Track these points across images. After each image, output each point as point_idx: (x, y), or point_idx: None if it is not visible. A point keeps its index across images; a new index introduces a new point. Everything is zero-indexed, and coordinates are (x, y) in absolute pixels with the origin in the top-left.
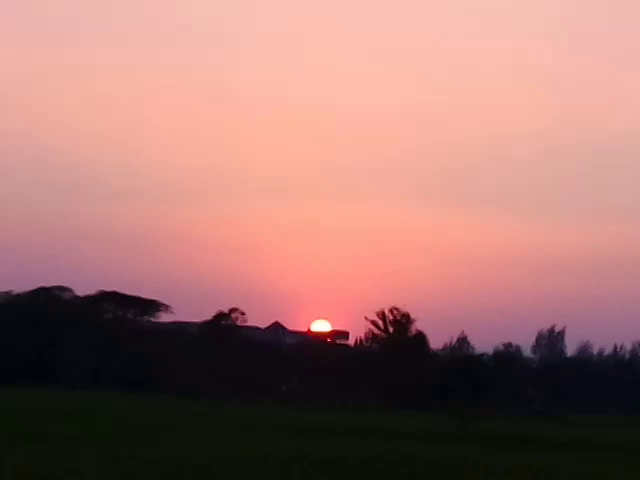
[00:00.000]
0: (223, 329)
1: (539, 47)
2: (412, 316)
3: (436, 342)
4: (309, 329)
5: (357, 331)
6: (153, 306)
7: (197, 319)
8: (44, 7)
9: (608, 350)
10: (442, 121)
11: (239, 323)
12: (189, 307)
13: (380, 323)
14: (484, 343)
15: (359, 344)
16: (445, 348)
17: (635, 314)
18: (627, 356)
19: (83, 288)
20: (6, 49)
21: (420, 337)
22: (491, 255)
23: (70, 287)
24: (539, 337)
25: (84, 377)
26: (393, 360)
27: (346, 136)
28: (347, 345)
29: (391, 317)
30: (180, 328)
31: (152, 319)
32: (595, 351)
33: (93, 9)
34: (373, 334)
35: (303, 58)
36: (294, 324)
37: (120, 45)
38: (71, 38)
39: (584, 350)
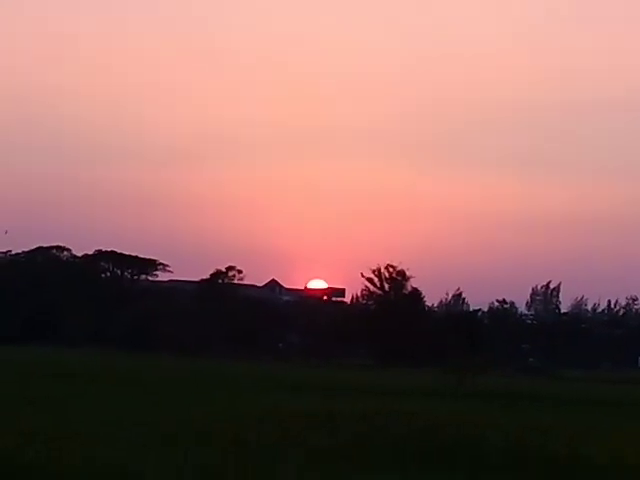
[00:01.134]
0: (220, 287)
1: (529, 12)
2: (408, 273)
3: (432, 299)
4: (306, 287)
5: (353, 289)
6: (151, 265)
7: (195, 277)
8: None
9: (602, 306)
10: (436, 83)
11: (236, 281)
12: (187, 265)
13: (376, 280)
14: (479, 300)
15: (355, 302)
16: (441, 305)
17: (629, 270)
18: (621, 311)
19: (81, 247)
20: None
21: (415, 294)
22: (486, 213)
23: (68, 247)
24: (534, 293)
25: (84, 335)
26: (389, 317)
27: (343, 98)
28: (343, 302)
29: (387, 274)
30: (178, 286)
31: (150, 278)
32: (589, 307)
33: None
34: (369, 291)
35: (301, 23)
36: (291, 282)
37: (120, 11)
38: (70, 5)
39: (578, 306)
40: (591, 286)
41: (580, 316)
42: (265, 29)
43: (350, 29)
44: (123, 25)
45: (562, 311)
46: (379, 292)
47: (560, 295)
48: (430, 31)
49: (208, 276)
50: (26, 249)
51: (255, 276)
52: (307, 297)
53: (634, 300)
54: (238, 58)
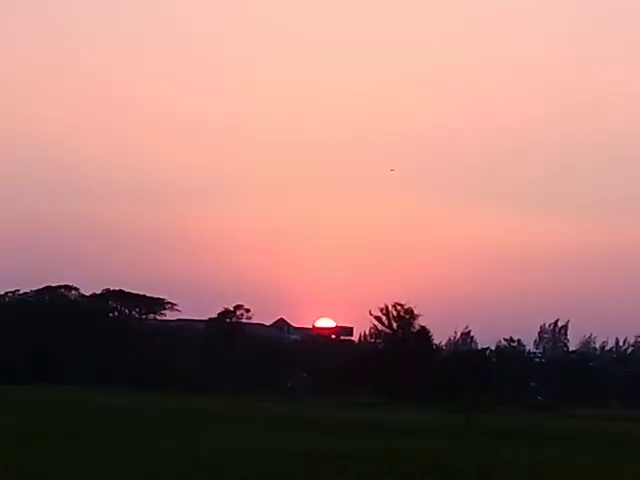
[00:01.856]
0: (228, 326)
1: (538, 41)
2: (415, 311)
3: (440, 337)
4: (313, 325)
5: (361, 327)
6: (159, 304)
7: (203, 316)
8: (45, 6)
9: (610, 344)
10: (444, 116)
11: (244, 320)
12: (195, 305)
13: (384, 319)
14: (487, 338)
15: (363, 340)
16: (449, 343)
17: (637, 308)
18: (629, 350)
19: (89, 287)
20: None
21: (424, 332)
22: (494, 250)
23: (76, 286)
24: (542, 331)
25: (90, 376)
26: (397, 355)
27: (347, 135)
28: (351, 341)
29: (395, 313)
30: (186, 326)
31: (158, 317)
32: (597, 345)
33: (94, 8)
34: (377, 330)
35: (299, 56)
36: (298, 321)
37: (119, 44)
38: (71, 37)
39: (587, 344)
40: (599, 324)
41: (588, 354)
42: (265, 68)
43: (349, 59)
44: (126, 63)
45: (570, 349)
46: (387, 330)
47: (568, 333)
48: (435, 64)
49: (216, 315)
50: (34, 288)
51: (263, 315)
52: (315, 336)
53: None
54: (239, 96)
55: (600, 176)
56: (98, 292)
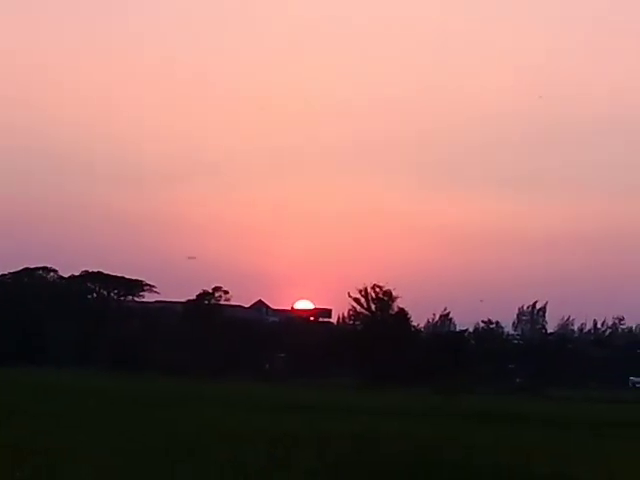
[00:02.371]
0: (207, 308)
1: (531, 36)
2: (394, 293)
3: (418, 319)
4: (292, 307)
5: (340, 309)
6: (137, 286)
7: (181, 298)
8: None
9: (589, 326)
10: (427, 101)
11: (223, 302)
12: (174, 286)
13: (362, 301)
14: (466, 320)
15: (342, 322)
16: (427, 325)
17: (615, 290)
18: (607, 332)
19: (68, 269)
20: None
21: (402, 314)
22: (472, 233)
23: (55, 268)
24: (520, 313)
25: (70, 356)
26: (376, 337)
27: (327, 119)
28: (330, 323)
29: (373, 294)
30: (164, 307)
31: (137, 299)
32: (576, 327)
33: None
34: (356, 312)
35: (290, 46)
36: (277, 303)
37: (116, 46)
38: (67, 39)
39: (565, 326)
40: (577, 306)
41: (566, 336)
42: (250, 60)
43: (345, 50)
44: (119, 57)
45: (549, 331)
46: (366, 312)
47: (546, 315)
48: (430, 55)
49: (194, 297)
50: (12, 270)
51: (242, 297)
52: (293, 318)
53: (620, 320)
54: (223, 84)
55: (578, 159)
56: (77, 274)
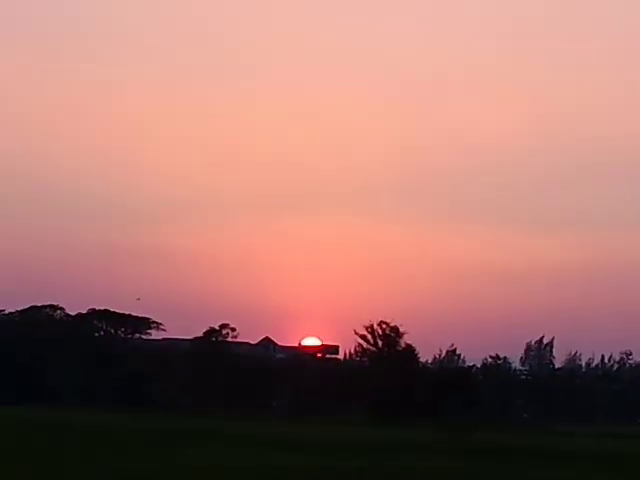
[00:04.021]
0: (214, 345)
1: (539, 59)
2: (401, 330)
3: (425, 355)
4: (300, 344)
5: (347, 345)
6: (144, 324)
7: (189, 336)
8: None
9: (596, 361)
10: (425, 138)
11: (230, 339)
12: (181, 324)
13: (369, 337)
14: (473, 355)
15: (349, 358)
16: (435, 361)
17: (622, 325)
18: (615, 366)
19: (75, 306)
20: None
21: (409, 350)
22: (479, 268)
23: (62, 306)
24: (528, 348)
25: (75, 395)
26: (383, 374)
27: (337, 155)
28: (337, 359)
29: (380, 331)
30: (171, 345)
31: (144, 336)
32: (583, 362)
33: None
34: (363, 348)
35: (303, 82)
36: (284, 340)
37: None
38: (70, 65)
39: (572, 361)
40: (585, 341)
41: (574, 371)
42: (265, 89)
43: (350, 85)
44: (125, 86)
45: (556, 366)
46: (373, 349)
47: (554, 350)
48: (427, 83)
49: (202, 334)
50: (19, 308)
51: (249, 334)
52: (301, 354)
53: (628, 355)
54: (236, 115)
55: (583, 193)
56: (84, 312)
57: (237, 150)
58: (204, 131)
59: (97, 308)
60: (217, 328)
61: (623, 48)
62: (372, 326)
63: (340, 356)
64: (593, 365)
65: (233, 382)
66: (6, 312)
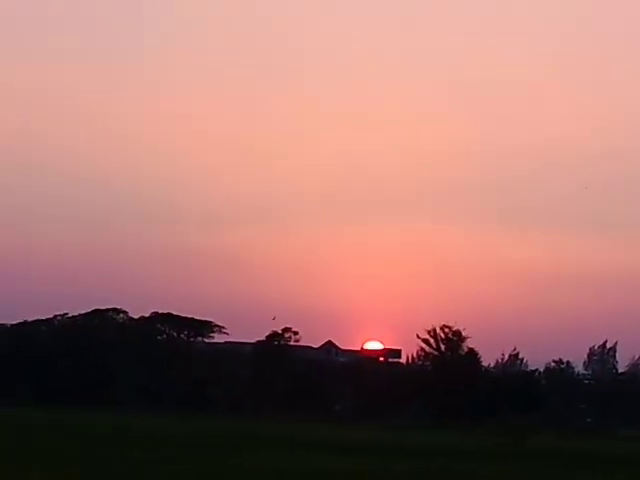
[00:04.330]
0: (277, 349)
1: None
2: (464, 333)
3: (488, 359)
4: (362, 348)
5: (409, 349)
6: (207, 327)
7: (251, 339)
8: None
9: None
10: (482, 142)
11: (292, 343)
12: (243, 327)
13: (432, 341)
14: (536, 360)
15: (411, 362)
16: (497, 365)
17: None
18: None
19: (138, 310)
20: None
21: (472, 354)
22: (541, 272)
23: (124, 309)
24: (591, 353)
25: (138, 398)
26: (446, 377)
27: (394, 158)
28: (399, 363)
29: (442, 335)
30: (234, 348)
31: (206, 340)
32: None
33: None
34: (425, 352)
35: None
36: (347, 343)
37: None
38: (126, 66)
39: (635, 366)
40: None
41: (637, 376)
42: (319, 96)
43: (407, 95)
44: (201, 100)
45: (619, 371)
46: (435, 353)
47: (617, 355)
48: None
49: (264, 338)
50: (83, 311)
51: (311, 338)
52: (363, 358)
53: None
54: (297, 123)
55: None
56: (146, 315)
57: (303, 159)
58: (271, 142)
59: (160, 311)
60: (280, 332)
61: None
62: (434, 330)
63: (402, 360)
64: None
65: (295, 386)
66: (69, 315)
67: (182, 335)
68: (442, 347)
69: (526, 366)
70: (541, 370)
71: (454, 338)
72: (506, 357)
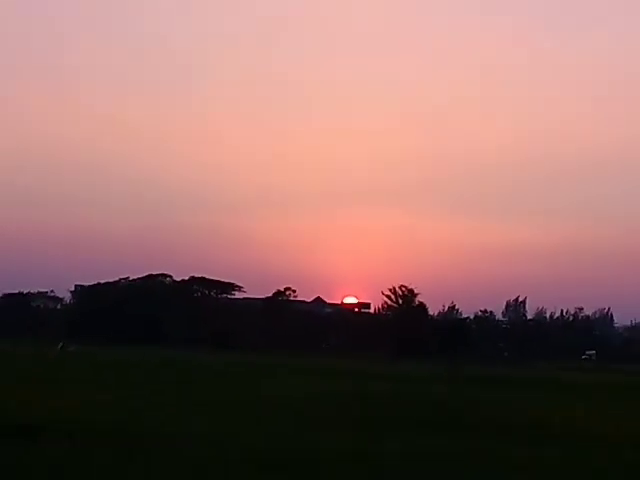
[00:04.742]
0: (280, 303)
1: (514, 77)
2: (415, 291)
3: (433, 309)
4: (342, 302)
5: (377, 303)
6: (230, 287)
7: (262, 295)
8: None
9: (557, 314)
10: (437, 144)
11: (291, 298)
12: (256, 286)
13: (392, 297)
14: (468, 310)
15: (378, 312)
16: (440, 314)
17: (575, 287)
18: (570, 318)
19: (180, 274)
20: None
21: (421, 307)
22: (470, 247)
23: (170, 274)
24: (507, 305)
25: (181, 339)
26: (402, 324)
27: (377, 164)
28: (369, 313)
29: (400, 292)
30: (249, 303)
31: (229, 296)
32: (548, 315)
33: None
34: (388, 305)
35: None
36: (331, 298)
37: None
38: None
39: (540, 314)
40: (549, 299)
41: (541, 322)
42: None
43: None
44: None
45: (528, 318)
46: (395, 305)
47: (526, 306)
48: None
49: (271, 295)
50: (140, 276)
51: (305, 294)
52: (343, 309)
53: (580, 310)
54: (295, 128)
55: (548, 191)
56: (186, 278)
57: (304, 161)
58: (277, 149)
59: (196, 276)
60: (282, 290)
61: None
62: (394, 288)
63: (372, 310)
64: (555, 317)
65: (294, 330)
66: (130, 278)
67: (211, 293)
68: (400, 301)
69: (460, 314)
70: (471, 317)
71: (408, 294)
72: (446, 308)
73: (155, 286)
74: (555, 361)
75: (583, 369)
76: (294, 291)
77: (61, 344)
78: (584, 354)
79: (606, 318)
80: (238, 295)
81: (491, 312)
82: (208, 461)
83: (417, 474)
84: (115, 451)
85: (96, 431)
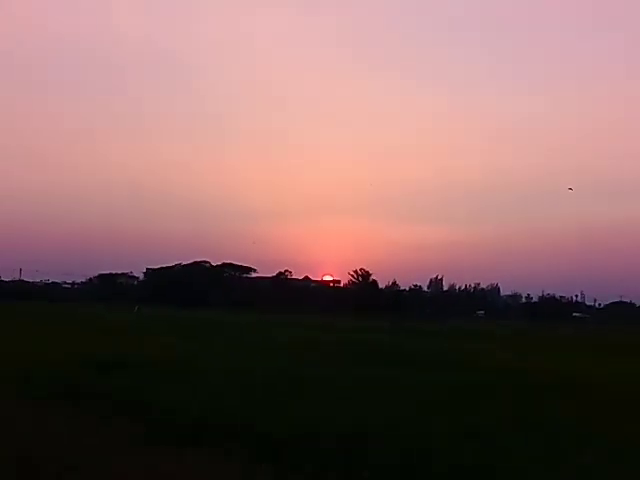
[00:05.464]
0: (281, 280)
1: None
2: (370, 272)
3: (382, 284)
4: (322, 279)
5: (345, 279)
6: (248, 269)
7: (269, 275)
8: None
9: (463, 287)
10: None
11: (289, 277)
12: (264, 268)
13: (355, 275)
14: (405, 284)
15: (345, 287)
16: (386, 287)
17: (474, 270)
18: (472, 290)
19: (215, 260)
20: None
21: (374, 283)
22: (406, 244)
23: (208, 260)
24: (430, 281)
25: (218, 305)
26: (361, 295)
27: (344, 185)
28: (340, 287)
29: (360, 272)
30: (261, 281)
31: (248, 276)
32: (457, 288)
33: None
34: (352, 281)
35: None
36: (315, 276)
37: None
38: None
39: (452, 287)
40: (459, 277)
41: (452, 293)
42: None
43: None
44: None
45: (444, 290)
46: (356, 281)
47: (443, 282)
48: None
49: (276, 274)
50: (186, 262)
51: (298, 273)
52: (323, 284)
53: (477, 284)
54: (296, 168)
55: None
56: (220, 263)
57: (295, 182)
58: (279, 167)
59: (226, 262)
60: (283, 271)
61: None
62: (357, 270)
63: (342, 285)
64: (461, 289)
65: (291, 300)
66: (183, 264)
67: (236, 274)
68: (360, 279)
69: (399, 287)
70: (407, 289)
71: (366, 274)
72: (390, 283)
73: (199, 269)
74: (460, 317)
75: (478, 323)
76: (291, 272)
77: (137, 307)
78: (475, 313)
79: (494, 290)
80: (254, 275)
81: (420, 287)
82: (237, 383)
83: (336, 393)
84: (176, 376)
85: (164, 362)
